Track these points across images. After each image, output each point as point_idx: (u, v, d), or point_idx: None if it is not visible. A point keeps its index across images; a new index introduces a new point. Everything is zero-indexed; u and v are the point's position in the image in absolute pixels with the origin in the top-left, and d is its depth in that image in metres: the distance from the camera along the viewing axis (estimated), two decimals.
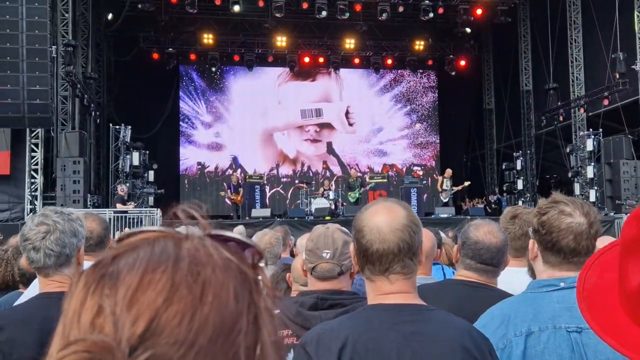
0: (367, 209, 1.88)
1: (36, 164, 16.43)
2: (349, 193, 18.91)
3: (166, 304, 0.57)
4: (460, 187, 19.04)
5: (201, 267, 0.60)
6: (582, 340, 1.94)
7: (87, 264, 2.64)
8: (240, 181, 19.92)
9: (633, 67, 17.42)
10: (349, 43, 24.37)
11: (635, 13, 17.54)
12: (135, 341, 0.55)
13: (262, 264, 0.67)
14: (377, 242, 1.78)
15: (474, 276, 2.78)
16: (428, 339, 1.74)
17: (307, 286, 3.11)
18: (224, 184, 20.63)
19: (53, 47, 15.95)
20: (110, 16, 22.31)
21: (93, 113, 19.52)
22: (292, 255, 5.82)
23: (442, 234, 6.13)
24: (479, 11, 22.09)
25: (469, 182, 19.54)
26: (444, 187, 19.00)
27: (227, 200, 20.66)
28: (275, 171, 25.56)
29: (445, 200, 18.95)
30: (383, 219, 1.80)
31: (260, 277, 0.64)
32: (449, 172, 19.64)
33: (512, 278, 2.91)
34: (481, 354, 1.75)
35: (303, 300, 2.44)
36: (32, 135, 16.34)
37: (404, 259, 1.79)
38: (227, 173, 25.17)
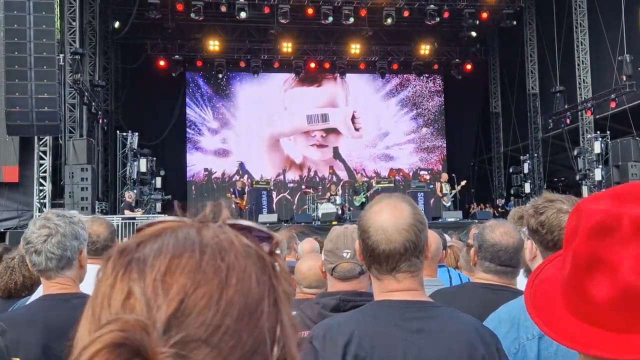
0: (372, 207, 1.88)
1: (44, 172, 16.51)
2: (355, 197, 18.91)
3: (194, 286, 0.59)
4: (458, 188, 18.98)
5: (224, 252, 0.63)
6: None
7: (91, 267, 2.67)
8: (247, 187, 19.94)
9: (639, 69, 17.37)
10: (355, 48, 24.40)
11: None
12: (167, 322, 0.58)
13: (278, 252, 0.69)
14: (384, 242, 1.78)
15: (494, 279, 2.77)
16: (434, 335, 1.75)
17: (310, 289, 3.12)
18: (230, 189, 20.66)
19: (61, 55, 16.05)
20: (117, 24, 22.43)
21: (101, 120, 19.61)
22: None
23: (447, 237, 6.15)
24: (484, 15, 22.08)
25: (465, 181, 19.42)
26: (443, 191, 18.98)
27: (232, 205, 20.62)
28: (282, 177, 25.58)
29: (447, 205, 18.91)
30: (388, 218, 1.80)
31: (277, 264, 0.67)
32: (444, 176, 19.66)
33: (521, 278, 2.93)
34: (488, 349, 1.76)
35: (325, 302, 2.43)
36: (41, 143, 16.42)
37: (411, 258, 1.80)
38: (234, 179, 25.22)
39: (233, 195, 18.98)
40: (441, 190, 19.09)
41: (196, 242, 0.63)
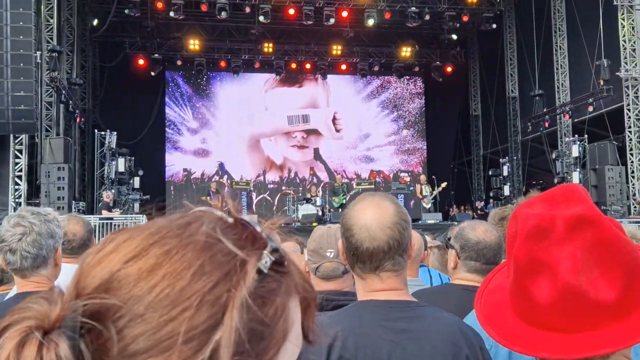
0: (355, 205, 1.86)
1: (20, 171, 16.25)
2: (333, 198, 18.88)
3: (129, 263, 0.59)
4: (439, 190, 19.02)
5: (174, 240, 0.61)
6: None
7: (67, 266, 2.60)
8: (226, 187, 19.81)
9: (617, 73, 17.55)
10: (336, 49, 24.40)
11: (620, 20, 17.68)
12: (90, 291, 0.58)
13: (265, 253, 0.63)
14: (367, 240, 1.76)
15: (477, 278, 2.73)
16: (419, 335, 1.73)
17: None
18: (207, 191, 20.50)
19: (38, 52, 15.82)
20: (95, 22, 22.21)
21: (78, 119, 19.37)
22: None
23: (428, 238, 6.12)
24: (465, 18, 22.20)
25: (446, 183, 19.48)
26: (423, 193, 19.03)
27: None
28: (262, 177, 25.47)
29: (427, 207, 18.95)
30: (372, 216, 1.78)
31: (248, 267, 0.61)
32: (422, 178, 19.73)
33: None
34: (472, 349, 1.75)
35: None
36: (16, 141, 16.16)
37: (395, 257, 1.77)
38: (213, 179, 25.07)
39: (208, 197, 18.80)
40: (421, 192, 19.15)
41: (159, 225, 0.63)
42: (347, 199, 18.84)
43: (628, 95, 17.66)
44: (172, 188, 25.00)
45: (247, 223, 0.66)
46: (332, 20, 21.18)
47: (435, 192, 19.01)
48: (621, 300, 0.94)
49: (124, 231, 0.64)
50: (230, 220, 0.65)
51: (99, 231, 14.34)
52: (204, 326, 0.56)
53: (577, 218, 0.96)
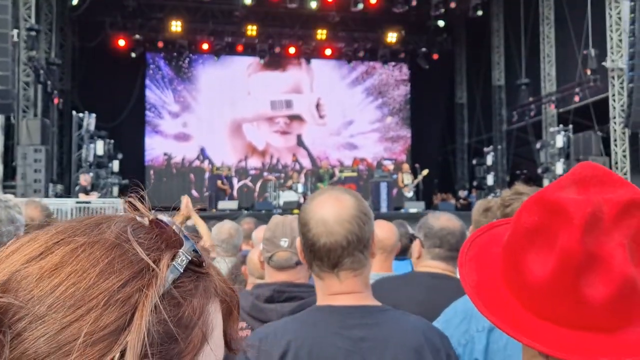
0: (313, 200, 1.75)
1: None
2: (318, 184, 18.70)
3: (31, 263, 0.57)
4: (419, 178, 18.92)
5: (81, 237, 0.58)
6: None
7: None
8: (207, 173, 19.55)
9: (604, 63, 17.50)
10: (321, 34, 24.15)
11: (607, 10, 17.58)
12: None
13: (179, 260, 0.60)
14: (324, 235, 1.66)
15: (441, 266, 2.74)
16: (379, 344, 1.63)
17: (262, 279, 2.92)
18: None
19: (15, 31, 15.44)
20: (75, 0, 21.69)
21: (56, 100, 19.01)
22: None
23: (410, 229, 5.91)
24: (452, 4, 21.98)
25: (427, 170, 19.35)
26: (405, 182, 18.95)
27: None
28: (243, 163, 25.23)
29: (409, 195, 18.86)
30: (330, 210, 1.68)
31: (161, 269, 0.58)
32: (405, 166, 19.72)
33: None
34: (437, 355, 1.66)
35: (259, 293, 2.35)
36: None
37: (354, 253, 1.67)
38: (194, 164, 24.78)
39: (221, 182, 19.07)
40: (402, 181, 19.04)
41: (69, 227, 0.60)
42: (331, 183, 18.68)
43: (614, 85, 17.60)
44: (152, 172, 24.69)
45: (164, 223, 0.63)
46: (314, 4, 20.87)
47: (416, 181, 18.92)
48: None
49: (30, 234, 0.61)
50: (145, 221, 0.63)
51: (75, 215, 14.06)
52: (112, 327, 0.54)
53: (628, 203, 0.87)
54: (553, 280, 0.89)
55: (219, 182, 19.22)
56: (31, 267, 0.56)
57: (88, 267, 0.55)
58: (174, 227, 0.63)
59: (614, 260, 0.85)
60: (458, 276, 2.59)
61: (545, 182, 19.91)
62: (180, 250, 0.60)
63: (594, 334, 0.88)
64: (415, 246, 2.85)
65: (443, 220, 2.80)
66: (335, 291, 1.69)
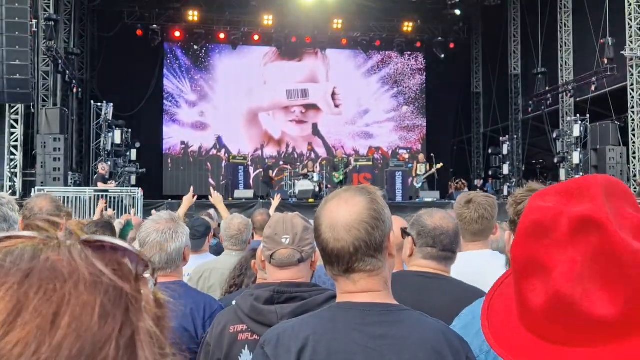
0: (326, 202, 1.72)
1: (16, 141, 16.18)
2: (334, 174, 18.74)
3: (6, 330, 0.45)
4: (433, 170, 18.68)
5: (59, 281, 0.48)
6: None
7: None
8: (224, 161, 19.65)
9: (622, 52, 17.33)
10: (337, 23, 24.08)
11: None
12: None
13: (146, 275, 0.55)
14: (332, 241, 1.63)
15: (432, 265, 2.66)
16: (397, 342, 1.60)
17: None
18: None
19: (34, 21, 15.62)
20: None
21: (75, 89, 19.20)
22: None
23: None
24: None
25: (442, 164, 19.13)
26: (418, 172, 18.83)
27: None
28: (259, 152, 25.33)
29: (417, 186, 18.78)
30: (338, 215, 1.64)
31: (143, 292, 0.53)
32: (421, 157, 19.57)
33: (471, 261, 2.97)
34: (457, 357, 1.61)
35: (258, 294, 2.26)
36: (12, 111, 16.05)
37: (364, 258, 1.63)
38: (211, 153, 24.94)
39: (272, 172, 19.08)
40: (416, 171, 18.96)
41: (22, 269, 0.48)
42: (347, 173, 18.71)
43: (632, 75, 17.43)
44: (169, 161, 24.88)
45: (117, 245, 0.54)
46: None
47: (428, 173, 18.72)
48: (622, 319, 0.81)
49: None
50: (95, 243, 0.54)
51: (93, 204, 14.25)
52: None
53: (582, 218, 0.83)
54: (514, 281, 0.93)
55: (270, 172, 19.18)
56: (5, 341, 0.46)
57: (84, 316, 0.50)
58: (127, 247, 0.56)
59: (554, 272, 0.84)
60: (445, 275, 2.64)
61: (562, 172, 19.83)
62: (147, 274, 0.56)
63: (541, 341, 0.88)
64: (407, 244, 2.75)
65: (437, 219, 2.70)
66: (350, 290, 1.67)
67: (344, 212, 1.64)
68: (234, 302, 2.36)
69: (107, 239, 0.54)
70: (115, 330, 0.48)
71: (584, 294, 0.82)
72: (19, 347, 0.44)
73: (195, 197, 5.95)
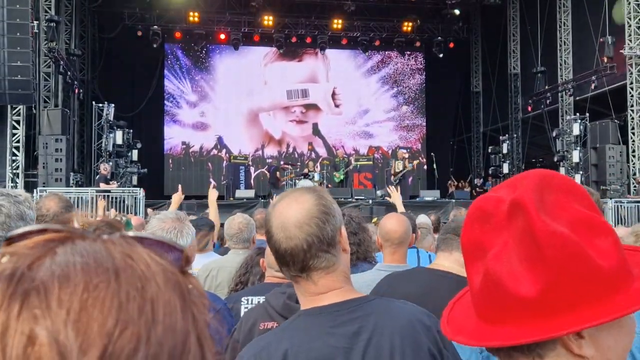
0: (275, 204, 1.70)
1: (18, 142, 16.20)
2: (334, 173, 18.77)
3: (119, 328, 0.46)
4: (409, 167, 18.19)
5: (144, 280, 0.49)
6: None
7: None
8: (224, 162, 19.70)
9: (621, 51, 17.38)
10: (337, 23, 24.14)
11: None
12: None
13: (190, 270, 0.55)
14: (284, 240, 1.62)
15: (454, 266, 2.66)
16: (373, 334, 1.61)
17: (281, 272, 3.00)
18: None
19: (35, 22, 15.65)
20: None
21: (76, 90, 19.25)
22: None
23: (426, 218, 6.06)
24: None
25: (414, 165, 18.71)
26: (396, 169, 18.37)
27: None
28: (260, 152, 25.39)
29: (394, 183, 18.48)
30: (288, 214, 1.64)
31: (192, 286, 0.53)
32: (400, 154, 19.19)
33: None
34: (429, 335, 1.64)
35: (291, 292, 2.23)
36: (14, 112, 16.08)
37: (318, 254, 1.62)
38: (212, 153, 25.00)
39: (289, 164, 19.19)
40: (395, 169, 18.50)
41: (110, 266, 0.48)
42: (348, 172, 18.71)
43: (631, 73, 17.48)
44: (170, 161, 24.95)
45: (163, 241, 0.55)
46: None
47: (404, 171, 18.22)
48: (543, 299, 0.87)
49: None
50: (143, 240, 0.54)
51: (96, 204, 14.31)
52: None
53: (512, 203, 0.90)
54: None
55: (277, 173, 19.07)
56: (121, 338, 0.47)
57: (170, 312, 0.51)
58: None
59: (488, 253, 0.91)
60: (462, 276, 2.70)
61: (562, 170, 19.87)
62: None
63: (479, 320, 0.95)
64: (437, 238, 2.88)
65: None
66: (312, 291, 1.66)
67: (294, 211, 1.64)
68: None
69: (151, 235, 0.55)
70: (190, 324, 0.50)
71: (510, 274, 0.88)
72: (133, 342, 0.46)
73: (183, 195, 5.95)
